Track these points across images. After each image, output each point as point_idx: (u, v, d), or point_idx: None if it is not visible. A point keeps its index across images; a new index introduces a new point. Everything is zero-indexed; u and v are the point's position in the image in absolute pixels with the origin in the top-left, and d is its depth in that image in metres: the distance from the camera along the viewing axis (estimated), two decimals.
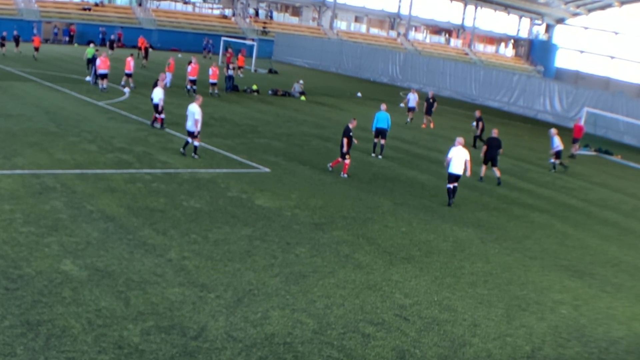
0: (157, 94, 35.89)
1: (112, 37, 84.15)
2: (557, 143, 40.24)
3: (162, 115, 36.53)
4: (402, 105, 54.87)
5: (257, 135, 38.43)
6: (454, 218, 26.61)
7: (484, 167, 33.87)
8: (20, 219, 20.15)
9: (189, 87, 51.56)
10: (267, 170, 30.09)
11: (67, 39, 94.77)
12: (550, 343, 16.59)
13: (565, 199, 33.10)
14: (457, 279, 20.09)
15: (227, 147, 33.60)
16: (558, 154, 40.46)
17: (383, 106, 37.27)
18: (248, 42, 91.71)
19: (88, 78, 52.36)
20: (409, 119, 49.84)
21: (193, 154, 30.57)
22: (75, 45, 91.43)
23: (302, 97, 59.19)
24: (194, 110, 30.67)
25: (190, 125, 30.63)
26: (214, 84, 53.62)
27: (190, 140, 30.80)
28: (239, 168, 30.05)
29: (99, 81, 48.27)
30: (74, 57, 70.47)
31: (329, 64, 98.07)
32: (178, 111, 41.37)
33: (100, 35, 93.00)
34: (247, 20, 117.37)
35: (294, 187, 27.90)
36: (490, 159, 33.96)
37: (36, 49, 67.18)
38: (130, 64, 51.52)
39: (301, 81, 63.38)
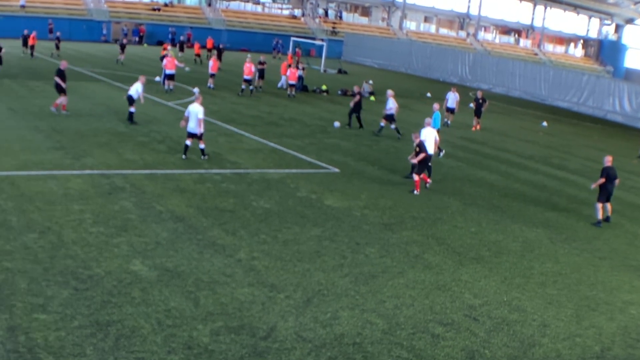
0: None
1: (182, 37, 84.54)
2: (391, 106, 39.45)
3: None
4: (471, 105, 53.91)
5: (326, 135, 38.33)
6: (523, 218, 26.19)
7: (600, 206, 27.17)
8: (90, 219, 20.28)
9: (244, 87, 51.55)
10: (337, 170, 29.95)
11: (136, 39, 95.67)
12: (619, 343, 16.21)
13: (635, 199, 32.43)
14: (527, 279, 19.75)
15: (297, 148, 33.53)
16: (388, 117, 39.67)
17: (436, 106, 36.56)
18: (317, 43, 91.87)
19: (157, 78, 52.63)
20: (447, 121, 47.94)
21: (202, 156, 29.44)
22: (145, 45, 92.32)
23: (372, 97, 58.86)
24: (196, 110, 29.00)
25: (192, 127, 29.07)
26: (292, 85, 53.95)
27: (189, 143, 29.37)
28: (309, 168, 29.94)
29: (166, 82, 48.54)
30: (143, 58, 71.16)
31: (398, 64, 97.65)
32: (248, 112, 41.59)
33: (170, 36, 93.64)
34: (317, 20, 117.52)
35: (363, 187, 27.71)
36: (609, 194, 27.34)
37: (198, 55, 66.56)
38: (216, 64, 52.09)
39: (370, 81, 63.08)
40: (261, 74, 54.58)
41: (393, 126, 39.94)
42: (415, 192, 27.91)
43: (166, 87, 48.32)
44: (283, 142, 34.50)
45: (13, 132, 31.15)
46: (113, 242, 18.71)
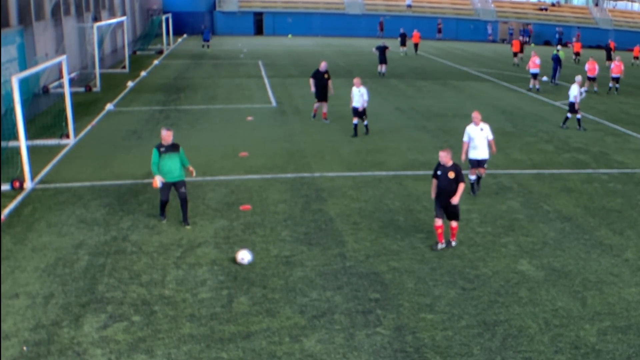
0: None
1: (558, 36, 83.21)
2: None
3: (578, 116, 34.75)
4: None
5: None
6: None
7: None
8: (477, 219, 20.52)
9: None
10: None
11: (526, 39, 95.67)
12: None
13: None
14: None
15: None
16: None
17: None
18: None
19: (545, 78, 52.20)
20: None
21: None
22: (532, 45, 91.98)
23: None
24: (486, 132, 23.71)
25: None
26: None
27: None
28: None
29: (531, 81, 47.75)
30: (528, 57, 70.81)
31: None
32: (635, 111, 40.11)
33: (557, 36, 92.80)
34: None
35: None
36: None
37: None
38: (620, 67, 49.84)
39: None
40: None
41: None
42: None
43: (531, 85, 47.56)
44: None
45: (401, 132, 32.22)
46: (500, 241, 18.81)
